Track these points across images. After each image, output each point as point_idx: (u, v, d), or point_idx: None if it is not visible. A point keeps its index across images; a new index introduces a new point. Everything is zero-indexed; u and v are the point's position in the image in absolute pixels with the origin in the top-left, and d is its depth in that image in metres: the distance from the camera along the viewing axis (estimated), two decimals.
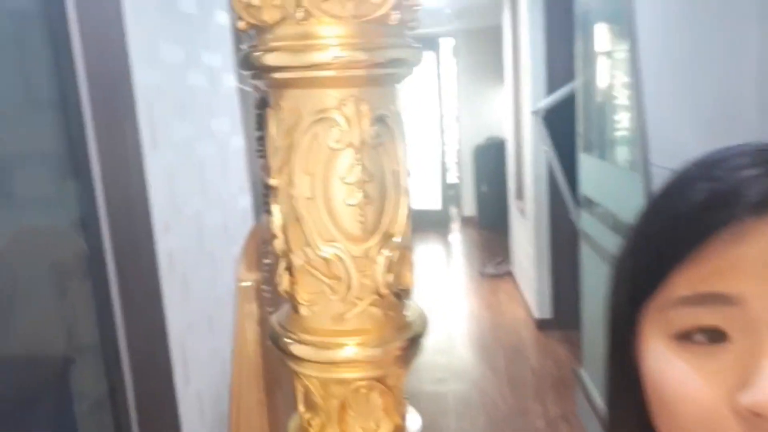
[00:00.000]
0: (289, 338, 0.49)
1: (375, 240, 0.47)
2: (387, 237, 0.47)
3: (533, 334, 4.74)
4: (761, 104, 1.26)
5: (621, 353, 0.52)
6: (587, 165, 3.07)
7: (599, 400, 3.05)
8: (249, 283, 1.34)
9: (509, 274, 5.99)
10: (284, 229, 0.48)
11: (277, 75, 0.45)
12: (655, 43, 1.97)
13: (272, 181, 0.48)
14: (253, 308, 1.33)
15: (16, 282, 1.27)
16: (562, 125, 3.52)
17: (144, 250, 1.40)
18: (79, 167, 1.27)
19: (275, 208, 0.49)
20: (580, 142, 3.12)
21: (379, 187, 0.46)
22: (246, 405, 1.27)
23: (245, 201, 2.21)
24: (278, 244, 0.50)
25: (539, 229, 4.56)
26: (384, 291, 0.47)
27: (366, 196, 0.45)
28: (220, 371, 1.83)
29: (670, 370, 0.44)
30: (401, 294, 0.49)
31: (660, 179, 1.63)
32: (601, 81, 2.80)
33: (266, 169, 0.68)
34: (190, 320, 1.65)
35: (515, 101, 5.22)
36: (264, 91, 0.53)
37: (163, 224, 1.50)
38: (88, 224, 1.29)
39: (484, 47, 7.40)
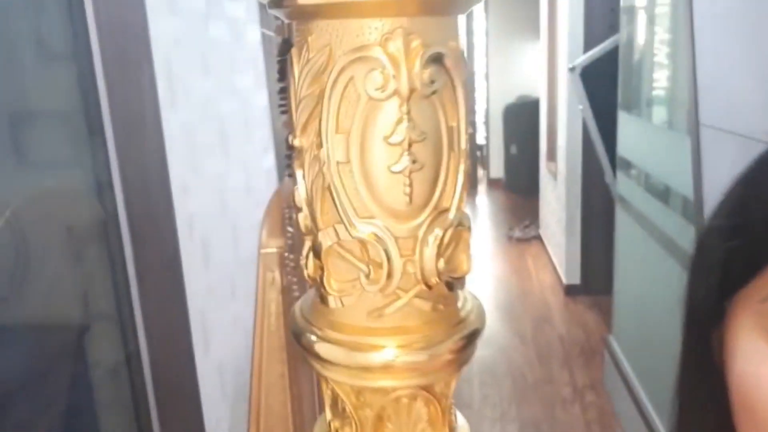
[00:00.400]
0: (314, 335, 0.39)
1: (424, 216, 0.37)
2: (439, 212, 0.37)
3: (561, 299, 4.66)
4: None
5: (700, 351, 0.46)
6: (627, 125, 2.93)
7: (628, 368, 2.97)
8: (271, 251, 1.26)
9: (537, 238, 5.88)
10: (310, 201, 0.38)
11: (303, 0, 0.34)
12: None
13: (296, 142, 0.38)
14: (275, 277, 1.25)
15: (29, 247, 1.21)
16: (600, 83, 3.37)
17: (161, 214, 1.32)
18: (91, 126, 1.19)
19: (299, 175, 0.39)
20: (620, 100, 2.96)
21: (432, 148, 0.36)
22: (267, 379, 1.21)
23: (269, 161, 2.12)
24: (303, 219, 0.40)
25: (571, 192, 4.44)
26: (434, 280, 0.37)
27: (415, 160, 0.35)
28: (243, 340, 1.76)
29: (767, 372, 0.38)
30: (454, 283, 0.39)
31: (711, 141, 1.49)
32: (647, 36, 2.63)
33: (290, 126, 0.57)
34: (211, 286, 1.58)
35: (550, 58, 5.02)
36: (286, 28, 0.43)
37: (182, 186, 1.42)
38: (101, 186, 1.21)
39: (518, 1, 7.12)
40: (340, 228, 0.37)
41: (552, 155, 5.10)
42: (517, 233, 6.07)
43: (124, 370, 1.34)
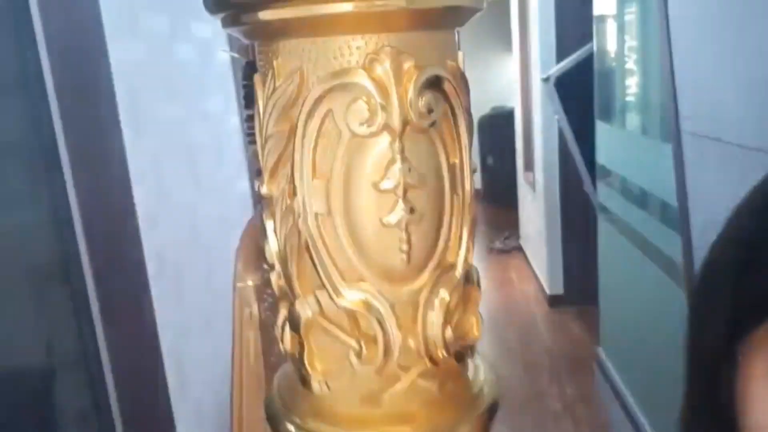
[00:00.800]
0: (294, 425, 0.32)
1: (426, 277, 0.29)
2: (444, 270, 0.30)
3: (545, 310, 4.62)
4: None
5: (708, 395, 0.45)
6: (605, 134, 2.90)
7: (618, 380, 2.93)
8: (247, 284, 1.18)
9: (518, 250, 5.84)
10: (284, 261, 0.31)
11: (266, 14, 0.27)
12: None
13: (263, 189, 0.31)
14: (252, 312, 1.17)
15: None
16: (575, 93, 3.35)
17: (127, 248, 1.23)
18: (46, 158, 1.10)
19: (269, 227, 0.32)
20: (597, 109, 2.94)
21: (433, 193, 0.29)
22: (248, 424, 1.12)
23: (243, 186, 2.04)
24: (275, 280, 0.32)
25: (550, 201, 4.42)
26: (440, 354, 0.30)
27: (412, 209, 0.28)
28: (222, 375, 1.67)
29: None
30: (464, 353, 0.32)
31: (693, 147, 1.43)
32: (621, 44, 2.61)
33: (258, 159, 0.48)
34: (185, 322, 1.49)
35: (523, 68, 5.01)
36: (251, 48, 0.36)
37: (150, 219, 1.33)
38: (60, 223, 1.12)
39: (489, 13, 7.13)
40: (322, 295, 0.29)
41: (529, 165, 5.08)
42: (498, 245, 6.02)
43: (92, 418, 1.24)
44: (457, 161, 0.30)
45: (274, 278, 0.33)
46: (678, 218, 1.93)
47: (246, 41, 0.32)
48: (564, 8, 3.98)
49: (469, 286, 0.31)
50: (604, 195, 2.95)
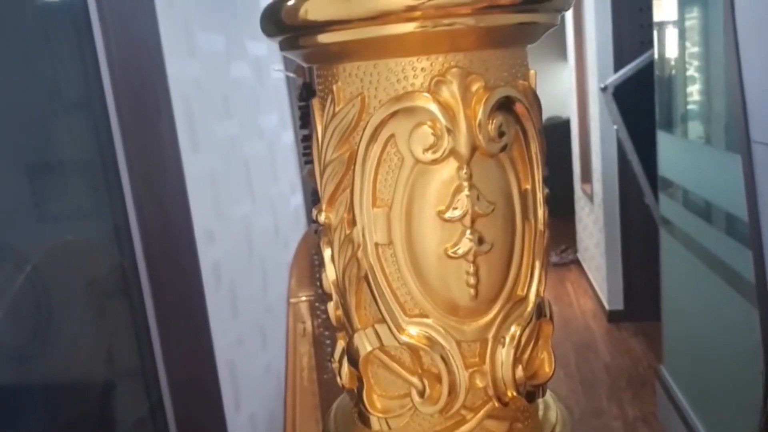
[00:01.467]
0: None
1: (495, 311, 0.27)
2: (515, 304, 0.28)
3: (604, 327, 4.48)
4: None
5: None
6: (667, 144, 2.81)
7: (682, 399, 2.81)
8: (301, 300, 1.18)
9: (575, 263, 5.70)
10: (342, 291, 0.29)
11: (325, 37, 0.26)
12: (753, 2, 1.71)
13: (321, 217, 0.29)
14: (306, 328, 1.17)
15: (51, 302, 1.15)
16: (634, 101, 3.27)
17: (185, 263, 1.25)
18: (107, 174, 1.13)
19: (327, 255, 0.30)
20: (658, 119, 2.85)
21: (503, 222, 0.27)
22: None
23: (297, 200, 2.05)
24: (332, 309, 0.31)
25: (609, 214, 4.30)
26: (510, 393, 0.28)
27: (481, 240, 0.26)
28: (276, 389, 1.68)
29: None
30: (535, 392, 0.29)
31: (763, 157, 1.36)
32: (683, 51, 2.53)
33: (315, 178, 0.47)
34: (240, 335, 1.50)
35: (579, 78, 4.91)
36: (307, 69, 0.34)
37: (207, 233, 1.35)
38: (120, 237, 1.14)
39: None
40: (382, 329, 0.28)
41: (587, 177, 4.95)
42: (554, 258, 5.89)
43: (149, 430, 1.26)
44: (529, 187, 0.28)
45: (332, 308, 0.31)
46: (748, 231, 1.84)
47: (304, 65, 0.30)
48: (622, 15, 3.88)
49: (540, 319, 0.29)
50: (666, 207, 2.85)
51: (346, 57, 0.26)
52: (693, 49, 2.47)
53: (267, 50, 1.85)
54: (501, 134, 0.25)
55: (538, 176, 0.28)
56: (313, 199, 0.61)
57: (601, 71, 3.97)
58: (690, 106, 2.56)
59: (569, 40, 5.36)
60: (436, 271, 0.26)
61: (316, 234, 0.72)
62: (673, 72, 2.71)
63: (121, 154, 1.08)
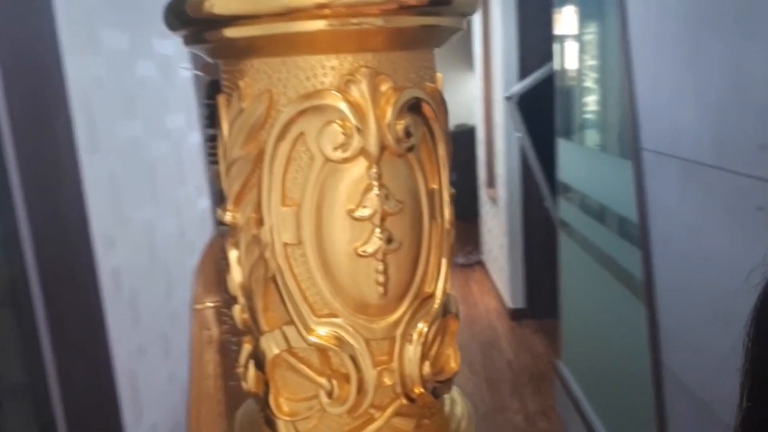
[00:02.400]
0: None
1: (403, 309, 0.27)
2: (423, 302, 0.28)
3: (507, 325, 4.64)
4: None
5: None
6: (566, 151, 2.95)
7: (579, 393, 2.95)
8: (207, 306, 1.14)
9: (479, 264, 5.87)
10: (248, 293, 0.28)
11: (230, 32, 0.25)
12: (648, 17, 1.83)
13: (227, 217, 0.28)
14: (212, 335, 1.13)
15: None
16: (537, 110, 3.41)
17: (81, 270, 1.18)
18: None
19: (232, 257, 0.29)
20: (558, 127, 2.98)
21: (411, 221, 0.27)
22: None
23: (204, 203, 1.99)
24: (238, 312, 0.30)
25: (512, 217, 4.47)
26: (418, 390, 0.28)
27: (390, 239, 0.26)
28: (180, 398, 1.62)
29: None
30: (441, 388, 0.30)
31: (653, 164, 1.46)
32: (581, 63, 2.67)
33: (220, 180, 0.46)
34: (142, 344, 1.43)
35: (485, 87, 5.07)
36: (214, 65, 0.34)
37: (106, 238, 1.28)
38: (8, 243, 1.06)
39: None
40: (290, 331, 0.27)
41: (491, 182, 5.12)
42: (460, 259, 6.05)
43: None
44: (436, 187, 0.28)
45: (237, 312, 0.31)
46: (638, 233, 1.96)
47: (210, 60, 0.29)
48: (526, 28, 4.04)
49: (449, 317, 0.30)
50: (564, 211, 2.99)
51: (254, 53, 0.26)
52: (590, 61, 2.60)
53: (175, 49, 1.79)
54: (409, 134, 0.26)
55: (445, 177, 0.28)
56: (218, 200, 0.60)
57: (506, 81, 4.12)
58: (587, 116, 2.70)
59: (476, 50, 5.53)
60: (345, 270, 0.26)
61: (222, 237, 0.70)
62: (572, 83, 2.85)
63: (12, 156, 1.01)
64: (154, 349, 1.50)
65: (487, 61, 4.92)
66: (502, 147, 4.49)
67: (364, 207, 0.25)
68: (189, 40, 0.28)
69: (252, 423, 0.31)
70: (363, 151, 0.25)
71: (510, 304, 4.66)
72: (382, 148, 0.25)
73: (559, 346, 3.30)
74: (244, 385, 0.30)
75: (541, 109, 3.22)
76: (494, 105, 4.73)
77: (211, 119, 0.47)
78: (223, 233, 0.72)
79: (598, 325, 2.58)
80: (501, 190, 4.66)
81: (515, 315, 4.64)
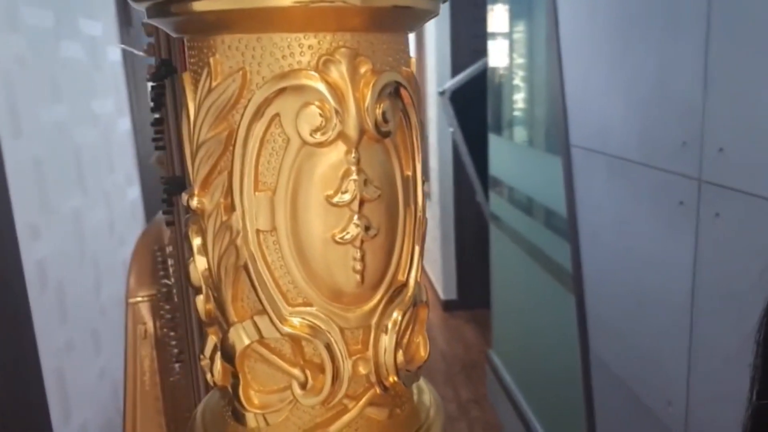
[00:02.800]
0: None
1: (378, 297, 0.27)
2: (396, 290, 0.28)
3: (440, 315, 4.72)
4: (705, 77, 1.18)
5: None
6: (497, 146, 3.01)
7: (510, 381, 3.03)
8: (141, 300, 1.10)
9: None
10: (216, 283, 0.27)
11: (201, 4, 0.24)
12: (577, 17, 1.89)
13: (193, 202, 0.27)
14: (147, 329, 1.09)
15: None
16: (469, 106, 3.47)
17: (4, 262, 1.11)
18: None
19: (196, 244, 0.28)
20: (490, 122, 3.04)
21: (388, 207, 0.26)
22: None
23: (134, 192, 1.91)
24: (201, 303, 0.29)
25: (445, 210, 4.54)
26: (392, 379, 0.28)
27: (368, 226, 0.25)
28: (111, 395, 1.55)
29: None
30: (412, 377, 0.30)
31: (581, 160, 1.51)
32: (513, 59, 2.72)
33: (166, 164, 0.44)
34: (70, 340, 1.37)
35: (419, 81, 5.12)
36: (163, 45, 0.32)
37: (30, 228, 1.21)
38: None
39: None
40: (262, 321, 0.26)
41: (425, 176, 5.18)
42: None
43: None
44: (410, 173, 0.28)
45: (201, 302, 0.29)
46: (567, 226, 2.02)
47: (175, 35, 0.28)
48: (459, 24, 4.10)
49: (420, 305, 0.29)
50: (495, 204, 3.05)
51: (225, 28, 0.24)
52: (521, 59, 2.66)
53: (103, 30, 1.70)
54: (386, 120, 0.25)
55: (418, 163, 0.28)
56: (165, 188, 0.57)
57: (439, 76, 4.16)
58: (516, 112, 2.76)
59: (410, 45, 5.56)
60: (321, 258, 0.26)
61: (168, 226, 0.67)
62: (503, 80, 2.91)
63: None
64: (83, 346, 1.43)
65: (421, 56, 4.96)
66: (435, 142, 4.55)
67: (343, 193, 0.25)
68: (152, 13, 0.26)
69: (216, 417, 0.30)
70: (342, 135, 0.24)
71: (442, 296, 4.74)
72: (362, 132, 0.24)
73: (490, 336, 3.39)
74: (209, 377, 0.29)
75: (474, 105, 3.28)
76: (428, 99, 4.78)
77: (157, 102, 0.45)
78: (168, 222, 0.69)
79: (528, 315, 2.66)
80: (434, 184, 4.71)
81: (448, 306, 4.73)
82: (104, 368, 1.53)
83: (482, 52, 3.31)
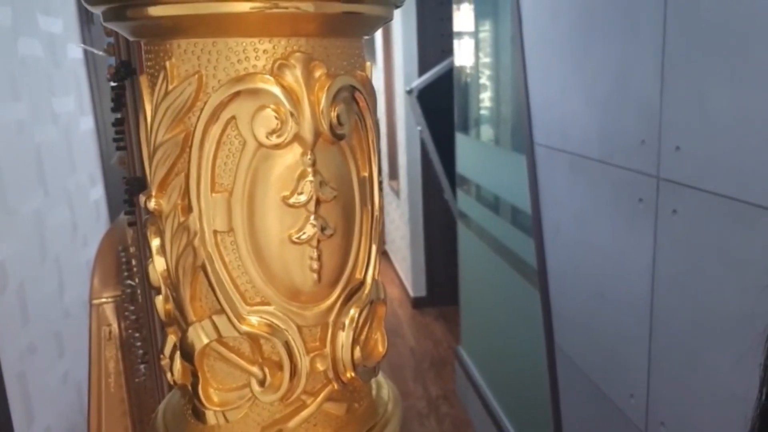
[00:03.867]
0: None
1: (336, 295, 0.28)
2: (354, 288, 0.29)
3: (409, 312, 4.74)
4: (662, 78, 1.21)
5: None
6: (464, 145, 3.04)
7: (478, 377, 3.07)
8: (105, 301, 1.08)
9: (383, 254, 5.95)
10: (174, 283, 0.27)
11: (157, 10, 0.24)
12: (540, 17, 1.91)
13: (151, 203, 0.27)
14: (112, 330, 1.08)
15: None
16: (437, 104, 3.49)
17: None
18: None
19: (155, 245, 0.28)
20: (457, 121, 3.07)
21: (343, 208, 0.27)
22: None
23: (98, 193, 1.88)
24: (161, 303, 0.29)
25: (413, 208, 4.56)
26: (349, 374, 0.28)
27: (324, 226, 0.26)
28: (75, 399, 1.53)
29: None
30: (370, 372, 0.30)
31: (545, 158, 1.54)
32: (478, 59, 2.75)
33: (126, 165, 0.44)
34: (32, 343, 1.34)
35: (387, 80, 5.12)
36: (122, 46, 0.32)
37: None
38: None
39: None
40: (220, 320, 0.27)
41: (394, 174, 5.19)
42: None
43: None
44: (366, 174, 0.28)
45: (160, 303, 0.30)
46: (531, 224, 2.05)
47: (131, 38, 0.28)
48: (425, 23, 4.12)
49: (378, 302, 0.30)
50: (462, 202, 3.08)
51: (181, 33, 0.25)
52: (487, 58, 2.68)
53: (63, 27, 1.67)
54: (341, 123, 0.26)
55: (375, 165, 0.29)
56: (126, 188, 0.57)
57: (407, 75, 4.18)
58: (484, 111, 2.79)
59: (378, 44, 5.57)
60: (278, 258, 0.26)
61: (130, 226, 0.67)
62: (469, 79, 2.93)
63: None
64: (46, 349, 1.41)
65: (388, 55, 4.98)
66: (403, 140, 4.56)
67: (300, 194, 0.25)
68: (109, 17, 0.26)
69: (177, 416, 0.31)
70: (297, 137, 0.25)
71: (412, 293, 4.77)
72: (317, 134, 0.25)
73: (458, 332, 3.42)
74: (169, 376, 0.29)
75: (441, 104, 3.30)
76: (396, 98, 4.79)
77: (117, 102, 0.45)
78: (129, 222, 0.69)
79: (495, 311, 2.69)
80: (403, 182, 4.73)
81: (417, 303, 4.76)
82: (68, 371, 1.51)
83: (450, 51, 3.34)
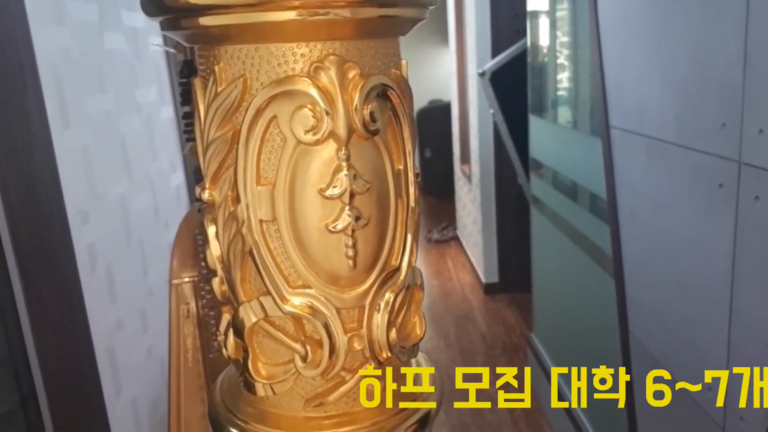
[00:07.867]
0: (239, 430, 0.31)
1: (371, 280, 0.30)
2: (390, 273, 0.31)
3: (481, 298, 4.72)
4: (745, 58, 1.15)
5: None
6: (538, 128, 2.98)
7: (550, 364, 3.03)
8: (184, 281, 1.16)
9: (455, 239, 5.93)
10: (227, 267, 0.30)
11: (205, 20, 0.27)
12: None
13: (205, 195, 0.30)
14: (190, 309, 1.15)
15: None
16: (510, 87, 3.43)
17: (57, 246, 1.18)
18: None
19: (211, 233, 0.31)
20: (530, 103, 3.01)
21: (378, 199, 0.29)
22: (187, 421, 1.10)
23: (178, 178, 1.98)
24: (217, 284, 0.32)
25: (486, 193, 4.51)
26: (385, 355, 0.30)
27: (359, 216, 0.28)
28: (159, 372, 1.64)
29: None
30: (408, 353, 0.32)
31: (621, 142, 1.49)
32: (553, 40, 2.68)
33: (197, 155, 0.47)
34: (119, 319, 1.44)
35: (459, 63, 5.07)
36: (187, 47, 0.35)
37: (80, 214, 1.28)
38: None
39: None
40: (266, 301, 0.29)
41: (465, 158, 5.16)
42: (436, 235, 6.10)
43: (20, 423, 1.19)
44: (401, 167, 0.30)
45: (217, 284, 0.33)
46: (606, 209, 2.00)
47: (186, 45, 0.31)
48: (499, 4, 4.04)
49: (412, 287, 0.32)
50: (536, 187, 3.03)
51: (228, 40, 0.27)
52: (563, 38, 2.61)
53: (144, 22, 1.77)
54: (375, 119, 0.28)
55: (410, 158, 0.30)
56: (195, 177, 0.61)
57: (480, 57, 4.12)
58: (559, 93, 2.72)
59: (450, 26, 5.51)
60: (317, 245, 0.29)
61: (200, 213, 0.71)
62: (545, 60, 2.87)
63: None
64: (132, 325, 1.51)
65: (461, 37, 4.92)
66: (475, 123, 4.52)
67: (334, 186, 0.27)
68: (166, 26, 0.29)
69: (232, 387, 0.34)
70: (332, 134, 0.27)
71: (484, 279, 4.74)
72: (350, 131, 0.27)
73: (531, 318, 3.38)
74: (224, 351, 0.32)
75: (514, 86, 3.24)
76: (468, 81, 4.74)
77: (185, 97, 0.48)
78: (199, 209, 0.73)
79: (568, 298, 2.65)
80: (475, 166, 4.69)
81: (489, 289, 4.72)
82: (152, 346, 1.61)
83: (523, 32, 3.27)
